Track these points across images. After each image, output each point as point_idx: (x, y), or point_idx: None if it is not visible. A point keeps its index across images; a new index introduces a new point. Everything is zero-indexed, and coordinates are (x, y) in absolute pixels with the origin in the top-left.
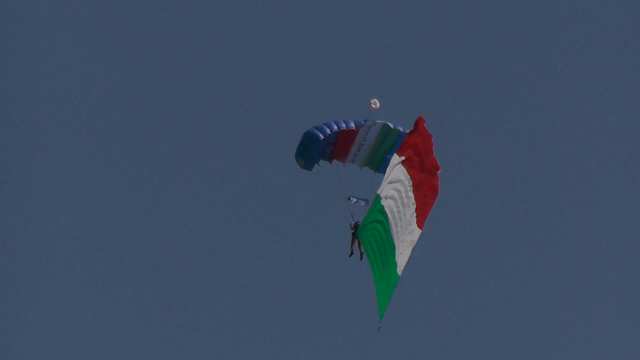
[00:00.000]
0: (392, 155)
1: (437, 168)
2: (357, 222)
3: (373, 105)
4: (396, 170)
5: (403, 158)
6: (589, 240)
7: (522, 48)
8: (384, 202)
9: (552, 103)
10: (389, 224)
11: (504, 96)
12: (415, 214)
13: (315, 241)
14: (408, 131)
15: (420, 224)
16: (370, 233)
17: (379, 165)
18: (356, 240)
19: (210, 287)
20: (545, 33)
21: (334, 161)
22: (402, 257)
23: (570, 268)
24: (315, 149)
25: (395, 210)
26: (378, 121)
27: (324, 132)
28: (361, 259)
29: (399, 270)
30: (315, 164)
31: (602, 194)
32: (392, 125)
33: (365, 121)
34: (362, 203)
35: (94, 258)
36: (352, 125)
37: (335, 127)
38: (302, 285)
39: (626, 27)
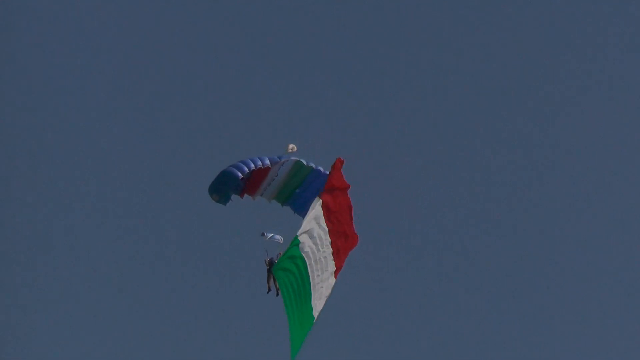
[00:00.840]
0: (301, 190)
1: (354, 236)
2: (272, 258)
3: (290, 150)
4: (315, 213)
5: (320, 202)
6: (584, 241)
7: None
8: (301, 245)
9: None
10: (306, 268)
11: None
12: (333, 261)
13: (230, 277)
14: (327, 172)
15: (335, 273)
16: (285, 273)
17: (288, 199)
18: (272, 277)
19: (128, 328)
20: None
21: (245, 195)
22: (319, 302)
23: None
24: (231, 186)
25: (311, 254)
26: (292, 158)
27: (242, 171)
28: (277, 295)
29: (315, 314)
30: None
31: (593, 194)
32: (304, 162)
33: (279, 158)
34: (277, 239)
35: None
36: (268, 162)
37: (252, 166)
38: (220, 318)
39: (620, 27)
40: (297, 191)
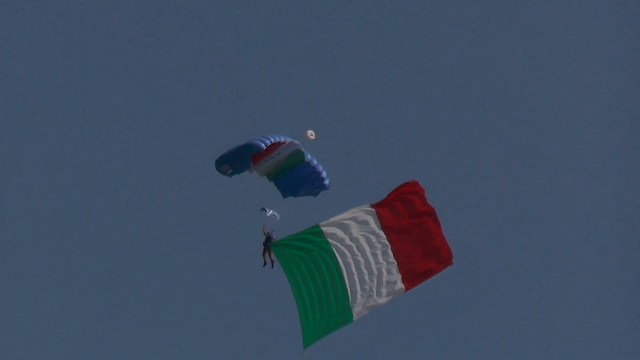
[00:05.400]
0: (291, 172)
1: (448, 259)
2: (270, 232)
3: (310, 136)
4: (361, 216)
5: (373, 210)
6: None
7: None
8: (329, 238)
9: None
10: (336, 263)
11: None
12: (397, 270)
13: (228, 249)
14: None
15: (406, 284)
16: (292, 254)
17: (277, 176)
18: (267, 250)
19: (124, 296)
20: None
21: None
22: (363, 306)
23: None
24: (248, 158)
25: (349, 253)
26: (297, 143)
27: (265, 144)
28: (272, 266)
29: (356, 316)
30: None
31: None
32: (304, 153)
33: (292, 139)
34: (276, 215)
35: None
36: (283, 139)
37: (272, 140)
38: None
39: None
40: (288, 171)
